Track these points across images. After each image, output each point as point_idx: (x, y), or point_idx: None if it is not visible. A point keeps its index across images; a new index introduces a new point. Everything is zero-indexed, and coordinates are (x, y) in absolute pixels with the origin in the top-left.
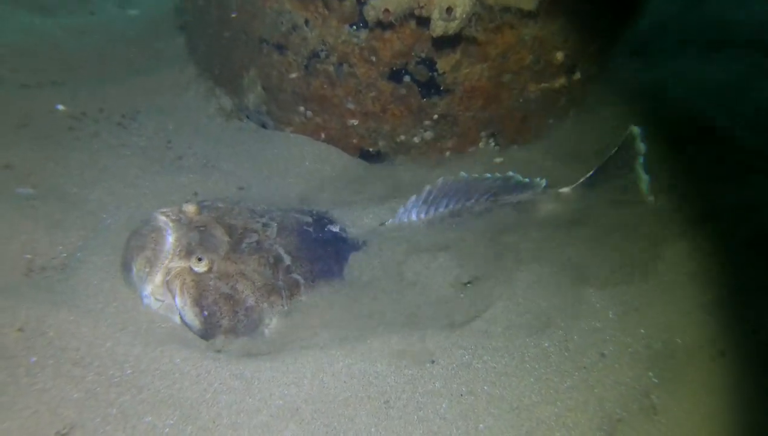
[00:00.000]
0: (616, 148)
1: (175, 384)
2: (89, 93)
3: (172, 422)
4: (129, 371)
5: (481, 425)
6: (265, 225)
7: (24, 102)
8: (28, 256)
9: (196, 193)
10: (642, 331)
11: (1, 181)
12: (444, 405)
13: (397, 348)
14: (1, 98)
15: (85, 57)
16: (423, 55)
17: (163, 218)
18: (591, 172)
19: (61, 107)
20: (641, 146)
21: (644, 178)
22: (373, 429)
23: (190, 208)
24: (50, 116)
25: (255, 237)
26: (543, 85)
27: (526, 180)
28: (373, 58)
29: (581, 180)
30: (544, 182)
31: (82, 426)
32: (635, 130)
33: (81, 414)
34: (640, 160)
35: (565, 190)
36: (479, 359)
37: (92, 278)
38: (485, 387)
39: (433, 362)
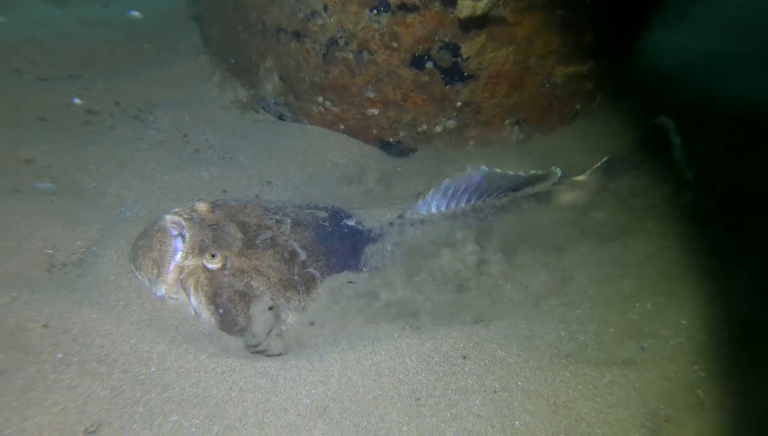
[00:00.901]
0: (640, 138)
1: (200, 382)
2: (105, 86)
3: (198, 421)
4: (154, 369)
5: (517, 423)
6: (278, 221)
7: (41, 95)
8: (50, 251)
9: (225, 191)
10: (684, 322)
11: (21, 175)
12: (478, 402)
13: (427, 344)
14: (19, 91)
15: (100, 49)
16: (447, 39)
17: (171, 218)
18: (605, 159)
19: (77, 101)
20: (676, 139)
21: (682, 160)
22: (404, 428)
23: (202, 207)
24: (67, 110)
25: (269, 233)
26: (570, 68)
27: (540, 172)
28: (395, 44)
29: (594, 166)
30: (559, 172)
31: (109, 424)
32: (668, 122)
33: (108, 412)
34: (677, 148)
35: (580, 177)
36: (512, 354)
37: (109, 274)
38: (519, 383)
39: (464, 357)
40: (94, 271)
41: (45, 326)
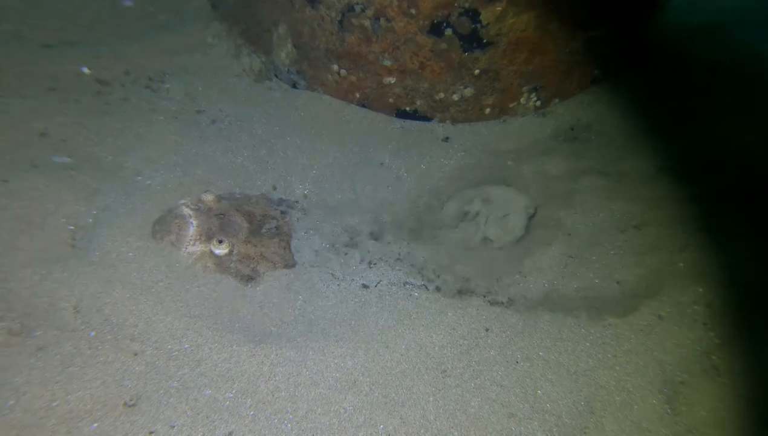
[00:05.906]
0: None
1: (232, 357)
2: (112, 54)
3: (231, 395)
4: (186, 346)
5: (539, 392)
6: (283, 212)
7: (48, 63)
8: (72, 227)
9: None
10: (701, 290)
11: (38, 149)
12: (500, 373)
13: (449, 313)
14: (24, 59)
15: (101, 14)
16: (467, 5)
17: (185, 208)
18: None
19: (86, 70)
20: None
21: None
22: (431, 398)
23: (209, 198)
24: (77, 79)
25: (274, 223)
26: (592, 32)
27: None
28: (413, 11)
29: None
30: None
31: (147, 398)
32: None
33: (145, 386)
34: None
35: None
36: (532, 325)
37: (118, 247)
38: (540, 353)
39: (487, 330)
40: (101, 242)
41: (75, 306)
